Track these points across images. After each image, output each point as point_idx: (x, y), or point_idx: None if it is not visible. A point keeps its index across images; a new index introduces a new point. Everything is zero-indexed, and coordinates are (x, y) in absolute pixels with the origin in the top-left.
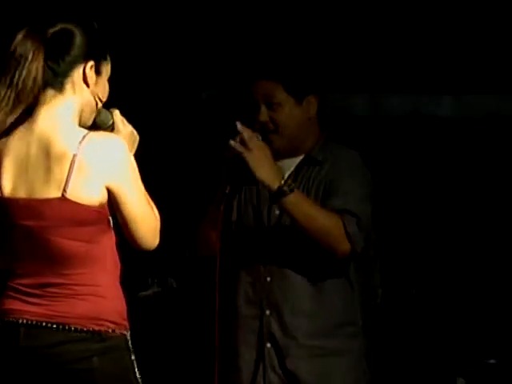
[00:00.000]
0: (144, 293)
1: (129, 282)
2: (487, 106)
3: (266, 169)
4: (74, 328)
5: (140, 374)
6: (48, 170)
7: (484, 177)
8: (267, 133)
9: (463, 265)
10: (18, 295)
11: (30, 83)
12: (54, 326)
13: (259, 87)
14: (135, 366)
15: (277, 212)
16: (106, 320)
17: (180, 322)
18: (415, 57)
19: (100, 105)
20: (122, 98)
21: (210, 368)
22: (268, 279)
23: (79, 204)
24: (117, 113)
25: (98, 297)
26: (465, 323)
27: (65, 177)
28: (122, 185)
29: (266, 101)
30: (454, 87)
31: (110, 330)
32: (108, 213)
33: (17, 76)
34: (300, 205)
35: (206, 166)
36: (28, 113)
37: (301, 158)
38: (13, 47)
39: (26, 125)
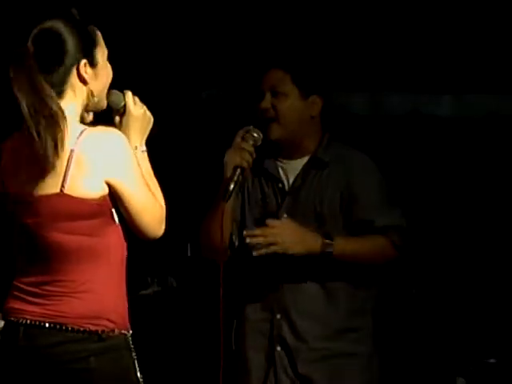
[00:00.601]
0: (144, 292)
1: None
2: (487, 106)
3: (299, 246)
4: (71, 328)
5: (141, 373)
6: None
7: (484, 176)
8: (267, 122)
9: (463, 265)
10: (20, 294)
11: (50, 103)
12: (52, 325)
13: (268, 76)
14: (136, 365)
15: (284, 215)
16: (105, 319)
17: (180, 322)
18: (415, 56)
19: (107, 86)
20: None
21: (214, 370)
22: (278, 282)
23: (78, 198)
24: (129, 94)
25: (97, 295)
26: (465, 323)
27: (63, 172)
28: (121, 179)
29: (272, 89)
30: (454, 86)
31: (109, 330)
32: (110, 205)
33: (37, 105)
34: (347, 251)
35: (206, 166)
36: None
37: (305, 159)
38: (11, 75)
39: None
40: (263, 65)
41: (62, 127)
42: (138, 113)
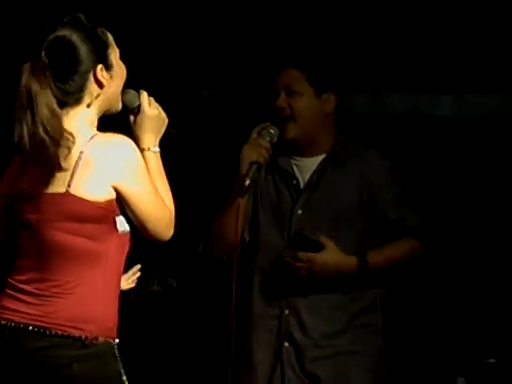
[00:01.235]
0: (144, 292)
1: None
2: (487, 106)
3: (335, 267)
4: (55, 333)
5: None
6: (54, 166)
7: (484, 176)
8: (283, 121)
9: (463, 265)
10: (12, 292)
11: (48, 114)
12: (36, 329)
13: (283, 75)
14: (122, 374)
15: (299, 212)
16: (91, 325)
17: (180, 322)
18: (415, 56)
19: (121, 85)
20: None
21: (216, 368)
22: (288, 279)
23: (83, 200)
24: (144, 94)
25: (87, 300)
26: (465, 323)
27: (70, 173)
28: (127, 184)
29: (287, 88)
30: (453, 86)
31: (93, 337)
32: (115, 211)
33: (34, 113)
34: (381, 264)
35: (206, 165)
36: None
37: (320, 157)
38: (21, 85)
39: None
40: (277, 64)
41: (69, 145)
42: (153, 113)
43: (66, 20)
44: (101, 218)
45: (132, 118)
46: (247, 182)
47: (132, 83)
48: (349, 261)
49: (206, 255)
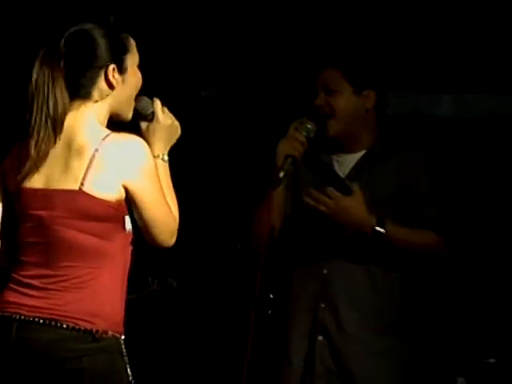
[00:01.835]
0: (144, 292)
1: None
2: (487, 106)
3: (355, 218)
4: (66, 325)
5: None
6: (67, 163)
7: (484, 176)
8: (324, 119)
9: (463, 265)
10: (17, 287)
11: (60, 109)
12: (47, 322)
13: (321, 76)
14: (128, 370)
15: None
16: (100, 319)
17: (180, 322)
18: (415, 56)
19: (134, 95)
20: None
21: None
22: (325, 272)
23: (95, 198)
24: (158, 102)
25: (96, 295)
26: (465, 323)
27: (83, 171)
28: (138, 185)
29: (326, 87)
30: (453, 86)
31: (103, 331)
32: (125, 211)
33: (47, 105)
34: (397, 235)
35: (205, 165)
36: None
37: (361, 154)
38: (34, 76)
39: None
40: (316, 65)
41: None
42: (166, 122)
43: (93, 17)
44: (111, 217)
45: (144, 124)
46: (281, 175)
47: None
48: (369, 218)
49: (244, 252)
